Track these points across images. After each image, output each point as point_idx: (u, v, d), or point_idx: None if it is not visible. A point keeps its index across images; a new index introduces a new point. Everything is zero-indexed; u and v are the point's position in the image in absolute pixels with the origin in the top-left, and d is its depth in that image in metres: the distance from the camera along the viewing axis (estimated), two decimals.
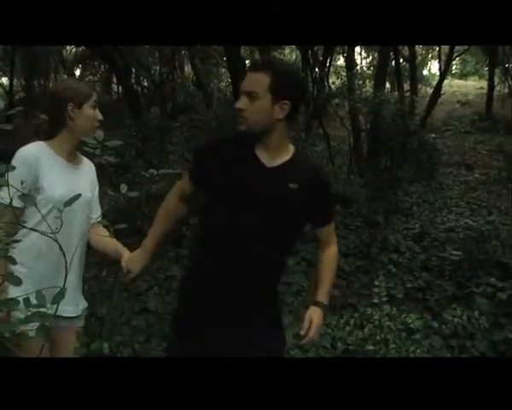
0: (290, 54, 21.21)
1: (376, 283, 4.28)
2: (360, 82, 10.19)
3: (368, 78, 12.37)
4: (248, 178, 2.12)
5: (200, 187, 2.28)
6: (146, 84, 14.71)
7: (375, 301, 4.07)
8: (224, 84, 14.28)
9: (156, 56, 14.22)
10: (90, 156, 2.58)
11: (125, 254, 2.55)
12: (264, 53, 14.16)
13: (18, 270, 2.27)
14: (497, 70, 20.56)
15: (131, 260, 2.48)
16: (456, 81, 29.81)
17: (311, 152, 8.76)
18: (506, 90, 23.17)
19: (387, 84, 15.50)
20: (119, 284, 5.07)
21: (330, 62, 13.35)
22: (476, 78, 29.70)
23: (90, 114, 2.52)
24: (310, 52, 12.04)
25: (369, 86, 10.70)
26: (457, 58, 23.39)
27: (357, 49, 26.20)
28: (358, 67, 18.01)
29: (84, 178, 2.65)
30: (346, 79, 9.80)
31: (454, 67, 31.75)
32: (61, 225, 2.28)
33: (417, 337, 4.47)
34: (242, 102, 2.10)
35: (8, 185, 1.66)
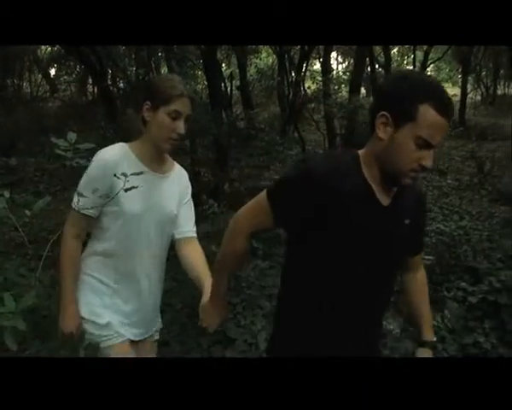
0: (267, 58, 21.23)
1: None
2: (336, 87, 10.27)
3: (343, 83, 12.46)
4: (366, 218, 1.68)
5: (291, 227, 1.79)
6: (122, 85, 14.61)
7: None
8: (200, 87, 14.22)
9: (132, 57, 14.14)
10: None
11: (204, 299, 2.12)
12: (241, 57, 14.21)
13: (96, 286, 2.21)
14: (470, 78, 20.87)
15: (208, 317, 2.07)
16: None
17: (285, 156, 8.79)
18: (479, 97, 23.55)
19: (363, 90, 15.63)
20: None
21: (306, 67, 13.43)
22: (450, 85, 30.07)
23: (163, 122, 2.14)
24: (286, 56, 12.11)
25: (344, 91, 10.79)
26: (432, 65, 23.73)
27: (334, 54, 26.39)
28: (334, 72, 18.11)
29: (170, 190, 2.30)
30: (321, 83, 9.87)
31: (429, 73, 32.13)
32: (130, 243, 2.17)
33: (384, 341, 4.53)
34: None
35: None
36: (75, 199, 2.09)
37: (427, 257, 5.98)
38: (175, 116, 2.13)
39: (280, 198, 1.71)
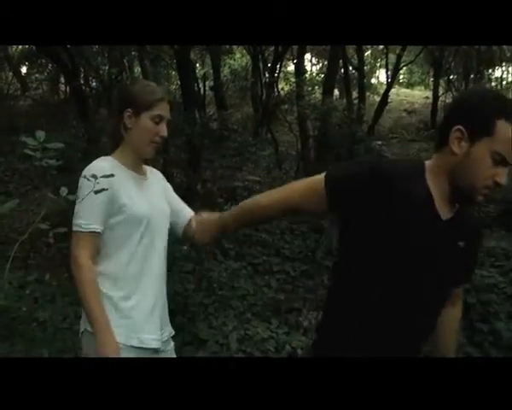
0: (241, 58, 21.23)
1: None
2: (310, 88, 10.30)
3: (317, 84, 12.51)
4: (421, 227, 1.64)
5: (344, 217, 1.75)
6: (94, 84, 14.48)
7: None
8: (173, 87, 14.16)
9: (105, 56, 14.03)
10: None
11: (209, 216, 2.24)
12: (214, 57, 14.19)
13: (115, 303, 2.14)
14: (442, 81, 21.14)
15: (202, 226, 2.21)
16: (404, 90, 30.43)
17: (258, 157, 8.80)
18: (450, 100, 23.84)
19: (336, 92, 15.72)
20: (63, 289, 4.98)
21: (280, 68, 13.46)
22: (422, 87, 30.41)
23: (146, 126, 2.17)
24: (260, 57, 12.12)
25: (318, 93, 10.83)
26: (404, 68, 23.96)
27: (308, 55, 26.49)
28: (308, 74, 18.18)
29: (157, 189, 2.35)
30: (294, 85, 9.90)
31: (402, 76, 32.47)
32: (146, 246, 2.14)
33: None
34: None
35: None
36: (80, 221, 2.07)
37: None
38: (158, 120, 2.17)
39: (340, 186, 1.71)
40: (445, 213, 1.66)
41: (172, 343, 2.38)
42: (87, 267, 2.07)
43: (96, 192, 1.92)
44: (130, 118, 2.17)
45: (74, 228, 2.09)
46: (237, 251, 6.46)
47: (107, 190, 2.00)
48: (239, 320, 4.92)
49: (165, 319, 2.33)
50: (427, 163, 1.71)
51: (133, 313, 2.15)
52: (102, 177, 1.95)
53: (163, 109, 2.20)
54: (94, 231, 2.08)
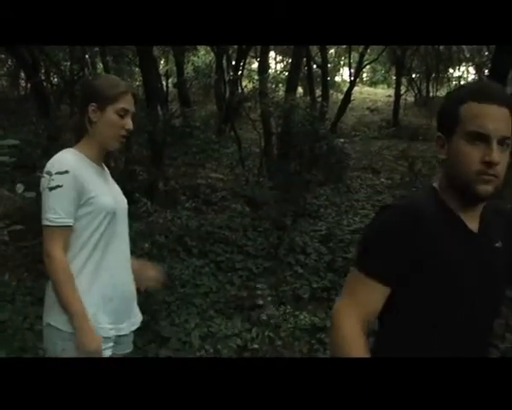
0: (205, 55, 21.18)
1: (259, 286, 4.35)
2: (273, 86, 10.35)
3: (281, 82, 12.57)
4: (460, 251, 1.57)
5: (392, 280, 1.61)
6: (56, 80, 14.27)
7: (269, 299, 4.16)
8: (136, 84, 14.05)
9: (67, 52, 13.83)
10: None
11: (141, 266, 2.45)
12: (178, 54, 14.13)
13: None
14: (404, 79, 21.45)
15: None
16: (367, 88, 30.81)
17: (221, 154, 8.81)
18: (412, 98, 24.21)
19: (300, 89, 15.82)
20: (23, 288, 4.91)
21: (244, 66, 13.49)
22: (385, 86, 30.78)
23: (112, 120, 2.19)
24: (224, 55, 12.12)
25: (282, 90, 10.88)
26: (368, 66, 24.24)
27: (272, 53, 26.57)
28: (272, 71, 18.25)
29: (114, 183, 2.40)
30: (258, 82, 9.92)
31: (365, 74, 32.83)
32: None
33: (320, 336, 4.62)
34: (497, 154, 1.50)
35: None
36: (51, 215, 2.07)
37: None
38: (123, 114, 2.19)
39: (376, 259, 1.59)
40: (473, 225, 1.61)
41: (131, 337, 2.41)
42: (60, 260, 2.07)
43: (60, 187, 1.95)
44: (94, 112, 2.18)
45: (45, 222, 2.09)
46: (200, 249, 6.46)
47: (72, 183, 2.04)
48: (201, 318, 4.92)
49: (128, 311, 2.34)
50: (435, 184, 1.68)
51: (108, 305, 2.19)
52: (57, 173, 1.97)
53: (127, 102, 2.21)
54: (65, 225, 2.09)
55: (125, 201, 2.38)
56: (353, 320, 1.57)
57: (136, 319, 2.40)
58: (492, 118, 1.49)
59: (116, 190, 2.34)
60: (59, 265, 2.06)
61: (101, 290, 2.18)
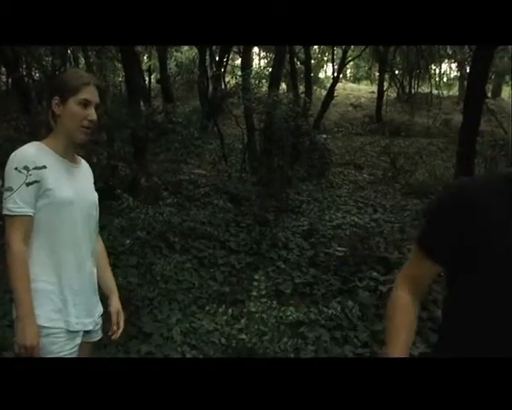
0: (188, 51, 21.12)
1: (256, 277, 4.37)
2: (256, 82, 10.35)
3: (264, 78, 12.57)
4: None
5: (441, 255, 1.64)
6: (37, 75, 14.14)
7: (254, 294, 4.17)
8: (119, 80, 13.99)
9: (48, 47, 13.71)
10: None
11: (114, 306, 2.43)
12: (161, 50, 14.06)
13: (45, 288, 2.17)
14: (387, 76, 21.57)
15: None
16: (350, 85, 30.94)
17: (204, 150, 8.79)
18: (394, 94, 24.35)
19: (283, 85, 15.83)
20: (4, 285, 4.87)
21: (227, 62, 13.47)
22: (368, 82, 30.93)
23: (74, 111, 2.20)
24: (208, 51, 12.09)
25: (265, 86, 10.89)
26: (351, 62, 24.32)
27: (256, 49, 26.56)
28: (255, 67, 18.25)
29: (87, 178, 2.42)
30: (241, 78, 9.92)
31: (348, 71, 32.95)
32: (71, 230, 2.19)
33: (303, 330, 4.65)
34: None
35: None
36: (10, 205, 2.08)
37: (339, 249, 6.18)
38: (85, 104, 2.19)
39: (426, 233, 1.67)
40: None
41: (100, 323, 2.44)
42: (17, 251, 2.08)
43: (28, 184, 1.92)
44: (58, 105, 2.21)
45: (4, 212, 2.10)
46: (182, 244, 6.45)
47: (34, 177, 2.00)
48: (184, 313, 4.92)
49: (94, 303, 2.38)
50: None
51: (60, 297, 2.19)
52: (15, 158, 2.08)
53: (89, 93, 2.21)
54: (25, 215, 2.11)
55: (93, 195, 2.38)
56: (404, 291, 1.69)
57: (99, 313, 2.42)
58: None
59: (82, 184, 2.33)
60: (15, 255, 2.08)
61: (68, 284, 2.20)
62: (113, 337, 2.42)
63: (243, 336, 4.23)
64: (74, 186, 2.25)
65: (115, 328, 2.42)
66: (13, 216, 2.09)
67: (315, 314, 4.87)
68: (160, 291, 5.19)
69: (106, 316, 2.45)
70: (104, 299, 2.49)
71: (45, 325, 2.12)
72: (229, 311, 4.51)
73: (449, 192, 1.65)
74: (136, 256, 5.45)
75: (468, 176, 1.57)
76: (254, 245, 6.63)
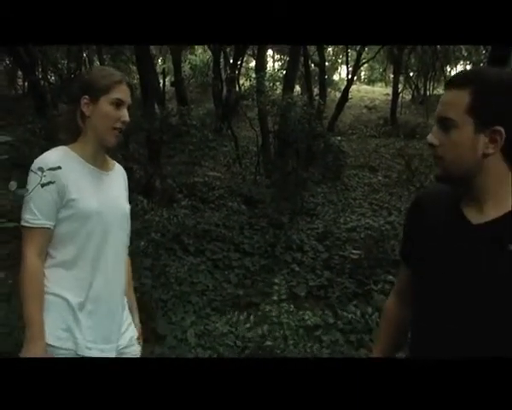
0: (203, 54, 21.18)
1: (276, 281, 4.35)
2: (271, 84, 10.35)
3: (278, 80, 12.57)
4: (450, 239, 1.55)
5: (410, 262, 1.72)
6: (53, 79, 14.26)
7: (275, 298, 4.15)
8: (134, 82, 14.03)
9: (64, 51, 13.81)
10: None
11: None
12: (175, 53, 14.12)
13: (55, 301, 2.00)
14: (401, 78, 21.49)
15: None
16: (365, 87, 30.84)
17: (218, 152, 8.81)
18: (409, 96, 24.25)
19: (298, 88, 15.83)
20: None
21: (241, 64, 13.48)
22: (383, 84, 30.81)
23: (106, 111, 2.00)
24: (222, 53, 12.11)
25: (279, 89, 10.89)
26: (366, 64, 24.26)
27: (270, 51, 26.56)
28: (269, 70, 18.23)
29: (118, 186, 2.20)
30: (255, 80, 9.92)
31: (363, 73, 32.86)
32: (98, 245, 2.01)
33: (318, 333, 4.63)
34: (434, 135, 1.51)
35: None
36: (28, 216, 1.95)
37: (354, 251, 6.15)
38: (117, 103, 2.01)
39: (405, 243, 1.74)
40: (476, 216, 1.51)
41: (136, 347, 2.24)
42: (31, 265, 1.95)
43: (43, 185, 1.86)
44: (87, 105, 2.01)
45: (22, 223, 1.96)
46: (197, 247, 6.46)
47: (53, 183, 1.91)
48: (198, 316, 4.91)
49: (119, 327, 2.16)
50: None
51: (72, 315, 2.01)
52: (49, 170, 1.87)
53: (122, 92, 2.03)
54: (42, 227, 1.95)
55: (125, 206, 2.19)
56: (392, 300, 1.84)
57: (125, 340, 2.19)
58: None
59: (112, 194, 2.13)
60: (28, 270, 1.94)
61: (80, 303, 2.01)
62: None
63: (266, 342, 4.21)
64: (102, 196, 2.06)
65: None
66: (30, 228, 1.95)
67: (331, 318, 4.86)
68: (174, 293, 5.19)
69: None
70: None
71: (51, 343, 1.96)
72: (245, 314, 4.51)
73: (410, 204, 1.74)
74: (151, 258, 5.46)
75: None
76: (269, 248, 6.62)
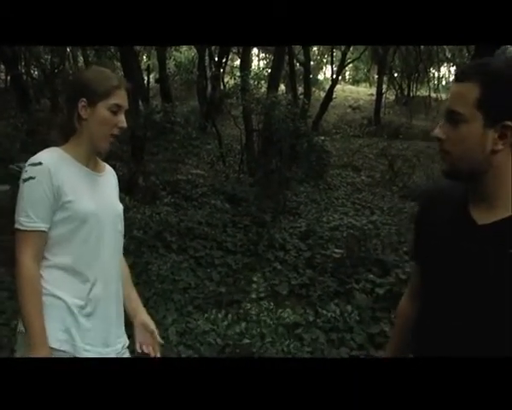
0: (188, 51, 21.12)
1: (255, 279, 4.36)
2: (255, 83, 10.35)
3: (263, 79, 12.58)
4: (454, 239, 1.52)
5: (418, 259, 1.72)
6: (36, 73, 14.15)
7: (253, 296, 4.16)
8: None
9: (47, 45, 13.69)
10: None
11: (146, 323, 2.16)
12: (160, 50, 14.06)
13: (53, 303, 1.95)
14: (386, 78, 21.60)
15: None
16: (349, 87, 30.97)
17: (202, 150, 8.79)
18: (393, 97, 24.40)
19: (282, 87, 15.84)
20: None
21: (226, 62, 13.47)
22: (367, 84, 30.97)
23: (104, 116, 1.97)
24: (207, 51, 12.09)
25: (264, 87, 10.90)
26: (350, 64, 24.37)
27: (255, 50, 26.56)
28: (254, 68, 18.26)
29: (111, 188, 2.18)
30: (240, 79, 9.92)
31: (348, 73, 33.01)
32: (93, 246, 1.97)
33: (298, 332, 4.64)
34: (441, 128, 1.45)
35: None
36: (22, 219, 1.90)
37: (336, 250, 6.17)
38: (116, 110, 1.98)
39: (414, 241, 1.72)
40: (482, 215, 1.47)
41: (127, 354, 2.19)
42: (27, 269, 1.90)
43: (36, 185, 1.83)
44: (84, 108, 1.98)
45: (15, 225, 1.93)
46: (179, 244, 6.45)
47: (48, 184, 1.89)
48: (180, 313, 4.91)
49: (117, 331, 2.12)
50: None
51: (71, 316, 1.97)
52: (42, 170, 1.87)
53: (121, 98, 2.00)
54: (38, 230, 1.92)
55: (118, 207, 2.15)
56: (405, 299, 1.81)
57: (123, 344, 2.16)
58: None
59: (106, 195, 2.11)
60: (24, 274, 1.89)
61: (78, 305, 1.98)
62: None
63: (244, 340, 4.21)
64: (97, 198, 2.04)
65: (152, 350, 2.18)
66: (24, 231, 1.90)
67: (312, 316, 4.87)
68: (155, 291, 5.18)
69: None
70: (127, 324, 2.20)
71: (51, 345, 1.91)
72: (225, 312, 4.50)
73: (420, 200, 1.76)
74: (133, 256, 5.44)
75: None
76: (251, 246, 6.63)
